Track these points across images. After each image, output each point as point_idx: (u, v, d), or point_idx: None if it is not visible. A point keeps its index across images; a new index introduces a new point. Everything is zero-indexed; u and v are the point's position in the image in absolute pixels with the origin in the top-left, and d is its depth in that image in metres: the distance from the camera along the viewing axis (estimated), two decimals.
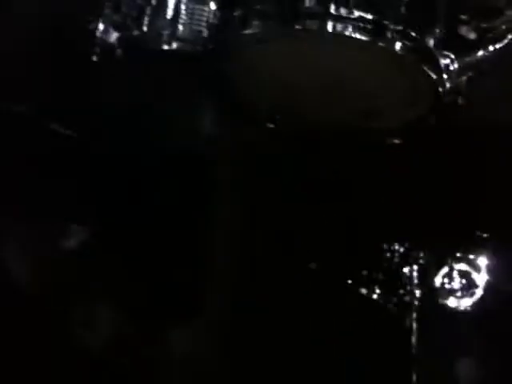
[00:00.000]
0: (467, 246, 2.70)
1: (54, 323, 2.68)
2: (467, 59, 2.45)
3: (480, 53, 2.45)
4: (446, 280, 2.71)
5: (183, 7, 2.48)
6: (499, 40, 2.43)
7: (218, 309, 2.78)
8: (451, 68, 2.41)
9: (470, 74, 2.46)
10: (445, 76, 2.40)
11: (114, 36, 2.49)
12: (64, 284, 2.73)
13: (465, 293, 2.70)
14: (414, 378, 2.69)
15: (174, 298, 2.79)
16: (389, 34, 2.26)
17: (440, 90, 2.39)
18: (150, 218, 2.78)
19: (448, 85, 2.40)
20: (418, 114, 2.49)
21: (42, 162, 2.74)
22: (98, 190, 2.80)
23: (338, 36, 2.27)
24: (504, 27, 2.42)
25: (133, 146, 2.79)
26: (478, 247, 2.69)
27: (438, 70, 2.37)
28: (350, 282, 2.75)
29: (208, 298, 2.79)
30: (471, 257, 2.69)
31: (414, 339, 2.70)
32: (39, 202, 2.73)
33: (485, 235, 2.69)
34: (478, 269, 2.69)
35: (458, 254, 2.70)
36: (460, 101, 2.47)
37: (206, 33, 2.47)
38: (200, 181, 2.80)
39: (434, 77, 2.37)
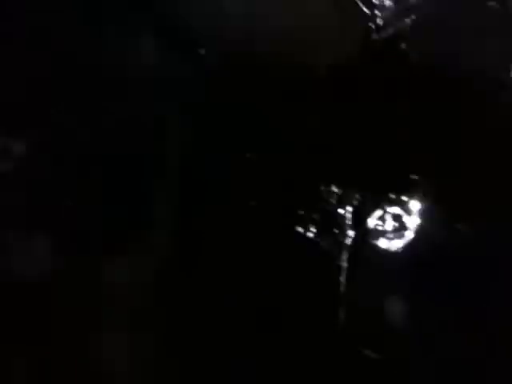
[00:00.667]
0: (400, 189, 2.81)
1: None
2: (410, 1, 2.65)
3: None
4: (378, 222, 2.80)
5: None
6: None
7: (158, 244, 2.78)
8: (386, 4, 2.60)
9: (413, 17, 2.66)
10: (378, 12, 2.59)
11: None
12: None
13: (396, 235, 2.78)
14: (342, 315, 2.73)
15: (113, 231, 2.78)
16: None
17: (371, 25, 2.58)
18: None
19: (381, 22, 2.59)
20: (350, 51, 2.66)
21: None
22: None
23: None
24: None
25: None
26: (410, 191, 2.80)
27: (371, 5, 2.55)
28: (287, 220, 2.81)
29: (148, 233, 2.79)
30: (404, 200, 2.80)
31: (344, 277, 2.75)
32: None
33: (417, 179, 2.81)
34: (409, 212, 2.80)
35: (391, 197, 2.81)
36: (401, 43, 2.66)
37: None
38: None
39: (367, 11, 2.56)
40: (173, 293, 2.72)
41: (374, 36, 2.58)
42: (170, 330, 2.69)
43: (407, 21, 2.65)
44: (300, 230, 2.80)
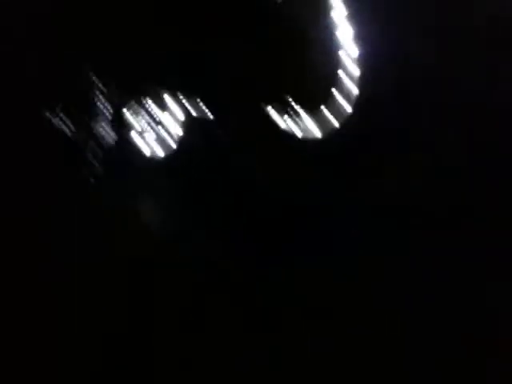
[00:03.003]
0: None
1: None
2: None
3: None
4: (133, 116, 2.75)
5: None
6: None
7: None
8: None
9: None
10: None
11: None
12: None
13: (150, 132, 2.76)
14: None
15: None
16: None
17: None
18: None
19: None
20: None
21: None
22: None
23: None
24: None
25: None
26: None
27: None
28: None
29: None
30: (160, 95, 2.75)
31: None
32: None
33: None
34: (165, 108, 2.76)
35: (146, 90, 2.74)
36: None
37: None
38: None
39: None
40: None
41: None
42: None
43: None
44: (52, 119, 2.68)
